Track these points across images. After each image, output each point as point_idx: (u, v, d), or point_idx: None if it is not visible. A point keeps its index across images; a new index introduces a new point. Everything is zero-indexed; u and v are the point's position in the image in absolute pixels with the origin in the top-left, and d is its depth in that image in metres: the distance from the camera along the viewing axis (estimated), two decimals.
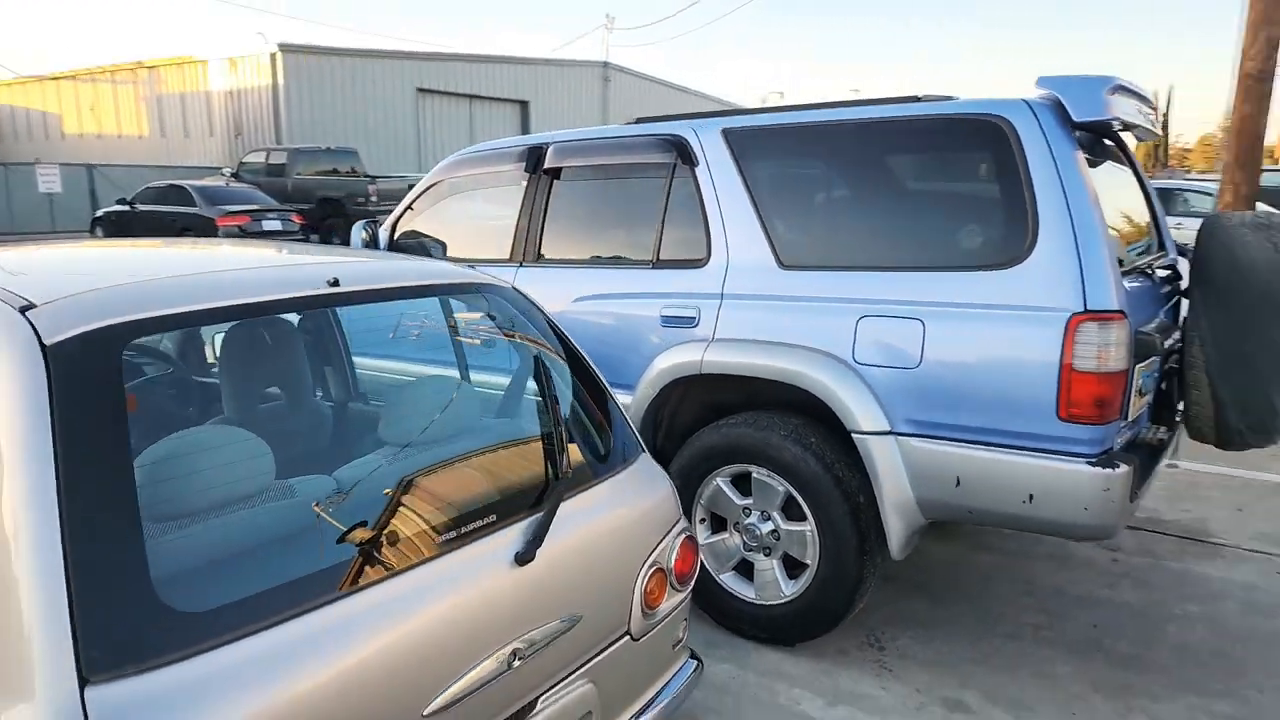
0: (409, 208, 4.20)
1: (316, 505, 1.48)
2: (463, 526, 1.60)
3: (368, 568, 1.44)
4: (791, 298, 2.89)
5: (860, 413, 2.70)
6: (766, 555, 3.02)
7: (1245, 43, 7.55)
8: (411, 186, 18.46)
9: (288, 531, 1.45)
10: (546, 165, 3.62)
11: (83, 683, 1.12)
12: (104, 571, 1.19)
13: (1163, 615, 3.28)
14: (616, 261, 3.38)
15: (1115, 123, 2.67)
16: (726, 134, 3.17)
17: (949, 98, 2.88)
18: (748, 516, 3.04)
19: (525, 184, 3.72)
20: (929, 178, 2.84)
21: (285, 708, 1.25)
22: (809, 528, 2.88)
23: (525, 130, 30.14)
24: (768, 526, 2.99)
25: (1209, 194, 11.63)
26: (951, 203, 2.75)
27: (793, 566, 2.99)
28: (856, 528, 2.79)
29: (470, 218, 4.05)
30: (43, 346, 1.30)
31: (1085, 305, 2.38)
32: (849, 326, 2.75)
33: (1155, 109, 3.19)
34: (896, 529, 2.73)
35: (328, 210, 17.86)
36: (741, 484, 3.06)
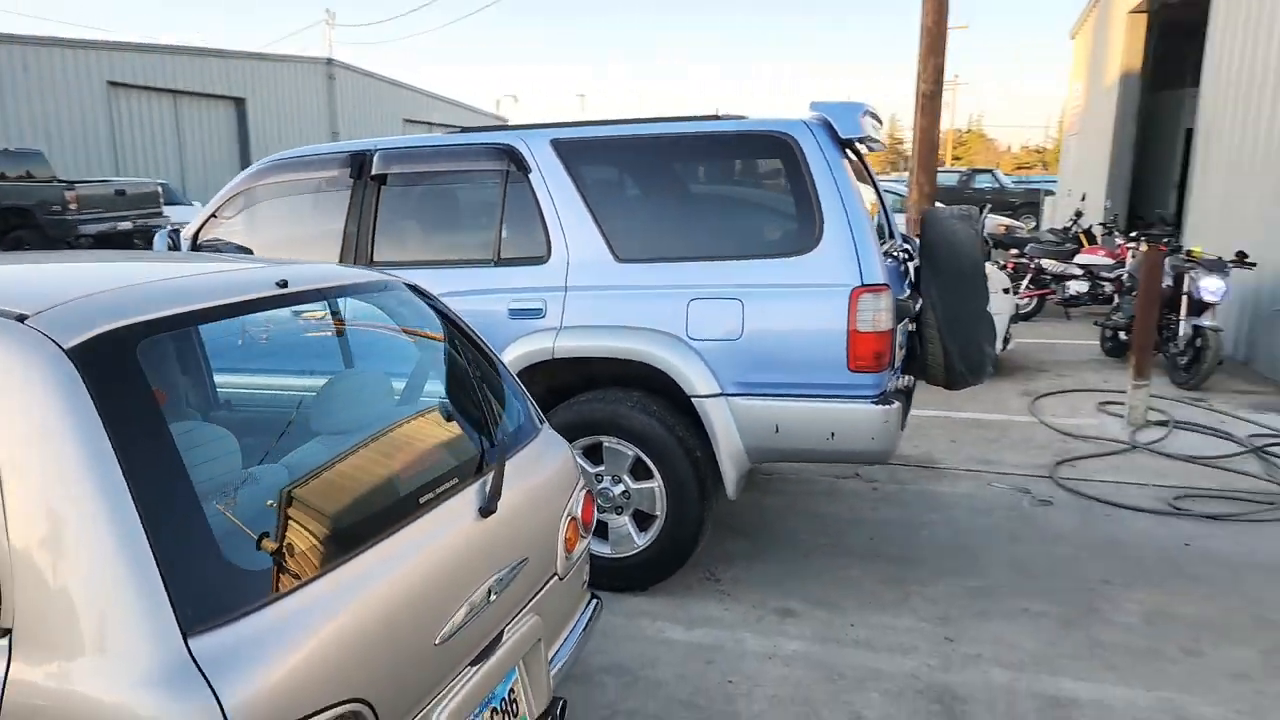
0: (213, 215, 4.05)
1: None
2: (436, 489, 1.84)
3: (376, 527, 1.65)
4: (629, 287, 3.33)
5: (697, 380, 3.21)
6: (619, 514, 3.43)
7: (920, 69, 9.28)
8: (121, 193, 16.31)
9: None
10: (373, 171, 3.73)
11: (184, 636, 1.26)
12: (180, 542, 1.31)
13: (916, 524, 4.18)
14: (456, 261, 3.60)
15: (864, 138, 3.41)
16: (555, 144, 3.52)
17: (742, 117, 3.49)
18: (600, 482, 3.44)
19: (350, 189, 3.80)
20: (735, 182, 3.42)
21: (341, 642, 1.45)
22: (656, 484, 3.34)
23: (243, 129, 27.82)
24: (619, 489, 3.41)
25: (896, 194, 13.87)
26: (755, 202, 3.35)
27: (642, 520, 3.44)
28: (697, 479, 3.30)
29: (287, 223, 4.01)
30: (64, 350, 1.37)
31: (862, 280, 3.07)
32: (682, 308, 3.25)
33: (882, 125, 4.05)
34: (731, 474, 3.28)
35: (13, 221, 15.37)
36: (592, 454, 3.45)
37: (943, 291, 3.64)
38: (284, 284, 1.87)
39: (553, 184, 3.49)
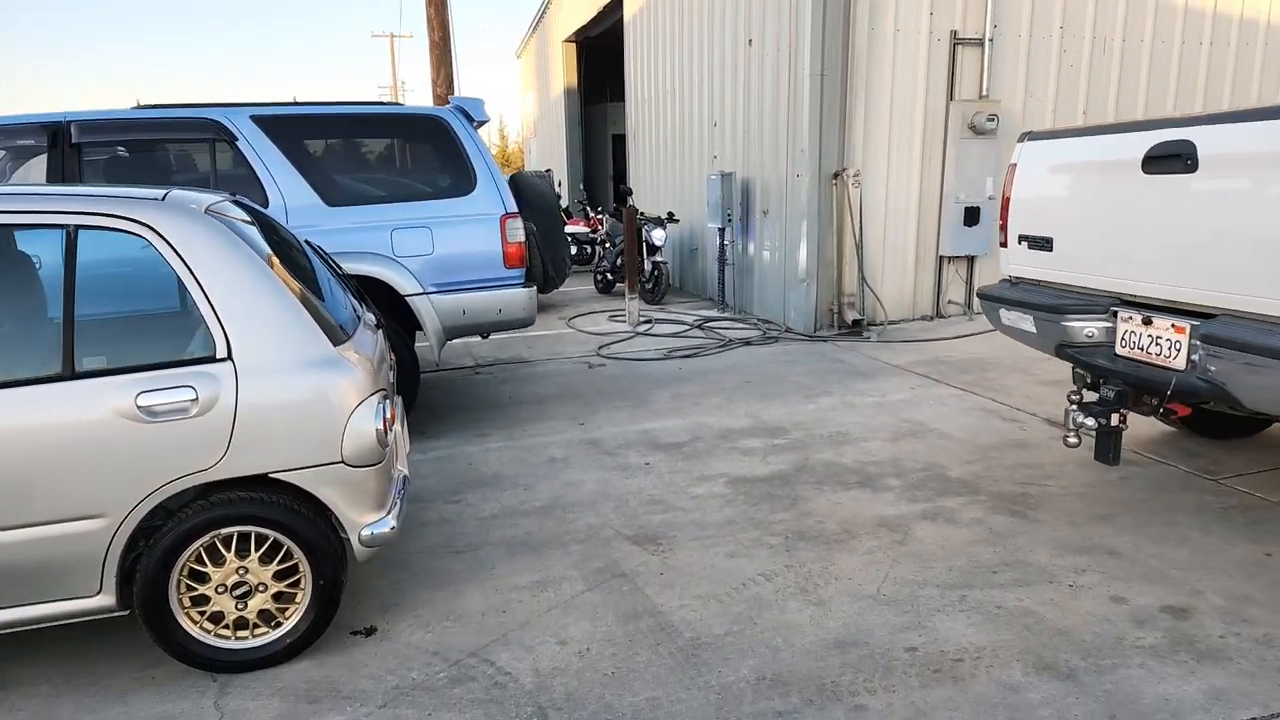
0: None
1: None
2: (360, 311, 3.17)
3: (354, 326, 2.97)
4: (344, 224, 4.60)
5: (407, 285, 4.68)
6: None
7: (433, 75, 11.22)
8: None
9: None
10: (74, 140, 4.26)
11: (332, 345, 2.55)
12: (309, 304, 2.57)
13: (532, 386, 6.16)
14: None
15: (486, 120, 5.19)
16: (256, 119, 4.56)
17: (399, 103, 4.97)
18: None
19: (46, 157, 4.24)
20: (411, 148, 4.90)
21: (368, 365, 2.80)
22: None
23: None
24: None
25: None
26: (431, 161, 4.89)
27: None
28: (410, 353, 4.78)
29: None
30: (202, 211, 2.48)
31: (506, 209, 4.89)
32: (387, 236, 4.66)
33: None
34: (436, 346, 4.83)
35: None
36: None
37: (539, 222, 5.65)
38: (234, 193, 2.98)
39: (260, 149, 4.54)
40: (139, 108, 4.58)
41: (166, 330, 2.44)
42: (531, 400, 5.80)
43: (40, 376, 2.31)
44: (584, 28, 16.37)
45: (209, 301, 2.43)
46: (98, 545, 2.37)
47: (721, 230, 9.12)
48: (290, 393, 2.47)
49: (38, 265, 2.50)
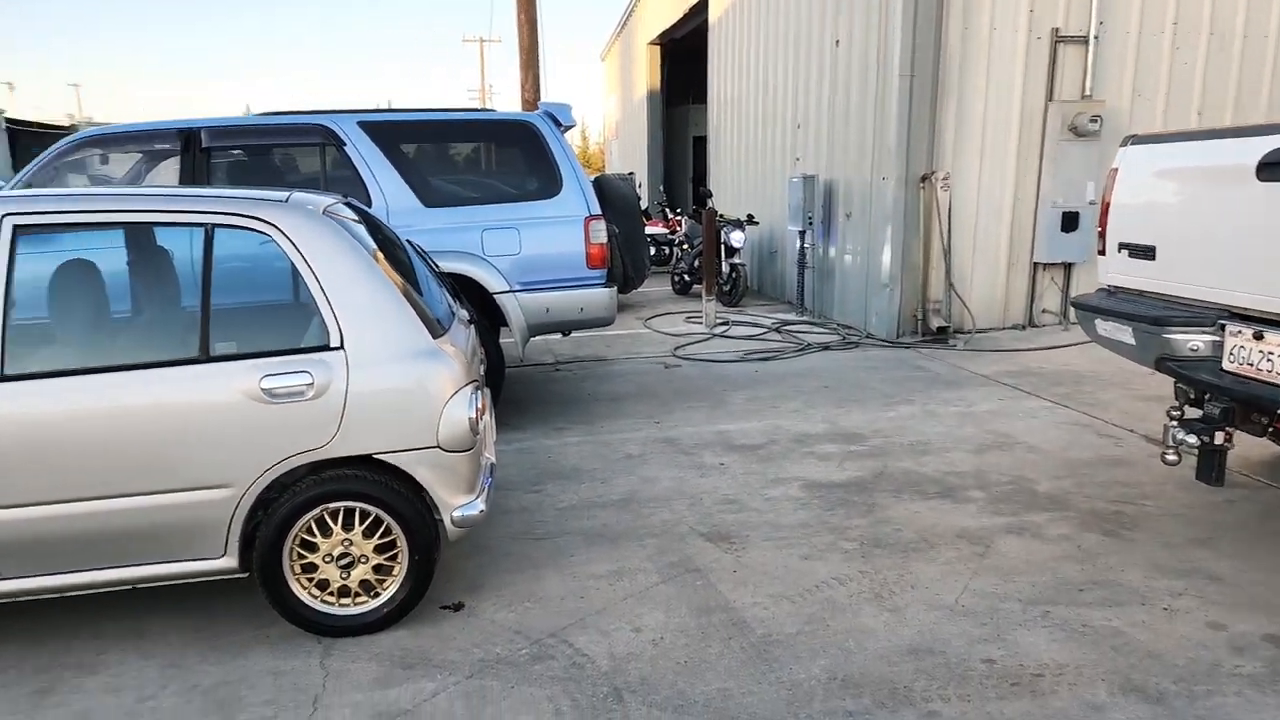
0: (28, 184, 4.43)
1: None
2: (454, 308, 3.33)
3: (449, 321, 3.13)
4: (439, 224, 4.81)
5: (495, 283, 4.86)
6: None
7: (522, 79, 11.51)
8: None
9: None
10: (204, 145, 4.59)
11: (433, 337, 2.70)
12: (414, 301, 2.73)
13: (609, 384, 6.28)
14: None
15: (572, 124, 5.34)
16: (363, 125, 4.81)
17: (490, 109, 5.16)
18: None
19: (179, 159, 4.59)
20: (500, 152, 5.09)
21: (464, 358, 2.94)
22: None
23: None
24: None
25: None
26: (520, 164, 5.06)
27: None
28: (497, 348, 4.96)
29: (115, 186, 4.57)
30: (320, 212, 2.67)
31: (590, 212, 5.02)
32: (478, 236, 4.85)
33: None
34: (520, 342, 4.99)
35: None
36: None
37: (621, 224, 5.76)
38: (346, 195, 3.17)
39: (365, 153, 4.79)
40: (254, 115, 4.89)
41: (287, 320, 2.64)
42: (609, 398, 5.92)
43: (180, 359, 2.53)
44: (668, 30, 16.48)
45: (325, 295, 2.61)
46: (224, 512, 2.58)
47: (802, 233, 9.07)
48: (394, 380, 2.63)
49: (172, 258, 2.74)
